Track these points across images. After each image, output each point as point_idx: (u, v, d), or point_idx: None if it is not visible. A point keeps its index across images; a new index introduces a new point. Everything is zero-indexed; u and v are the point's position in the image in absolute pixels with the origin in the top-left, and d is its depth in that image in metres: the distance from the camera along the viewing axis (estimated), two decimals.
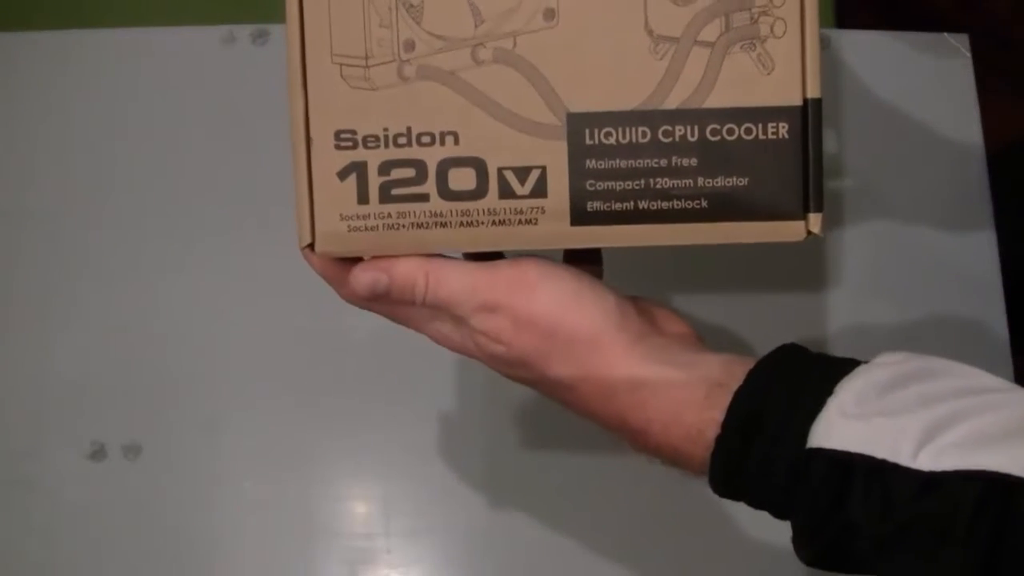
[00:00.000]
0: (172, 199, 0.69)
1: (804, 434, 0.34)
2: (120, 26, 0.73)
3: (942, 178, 0.71)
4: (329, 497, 0.64)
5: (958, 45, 0.73)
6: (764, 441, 0.35)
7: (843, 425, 0.33)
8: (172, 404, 0.66)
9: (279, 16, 0.74)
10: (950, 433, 0.32)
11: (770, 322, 0.66)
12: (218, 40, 0.72)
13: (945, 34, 0.73)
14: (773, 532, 0.63)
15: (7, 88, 0.71)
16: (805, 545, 0.35)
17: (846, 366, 0.36)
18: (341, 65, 0.38)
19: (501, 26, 0.37)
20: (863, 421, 0.33)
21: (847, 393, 0.34)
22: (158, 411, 0.65)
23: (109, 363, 0.66)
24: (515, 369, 0.40)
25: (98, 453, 0.65)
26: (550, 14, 0.37)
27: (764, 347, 0.70)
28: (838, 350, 0.68)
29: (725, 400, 0.36)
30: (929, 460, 0.32)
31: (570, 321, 0.38)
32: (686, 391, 0.37)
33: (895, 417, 0.33)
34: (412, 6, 0.37)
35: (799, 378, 0.35)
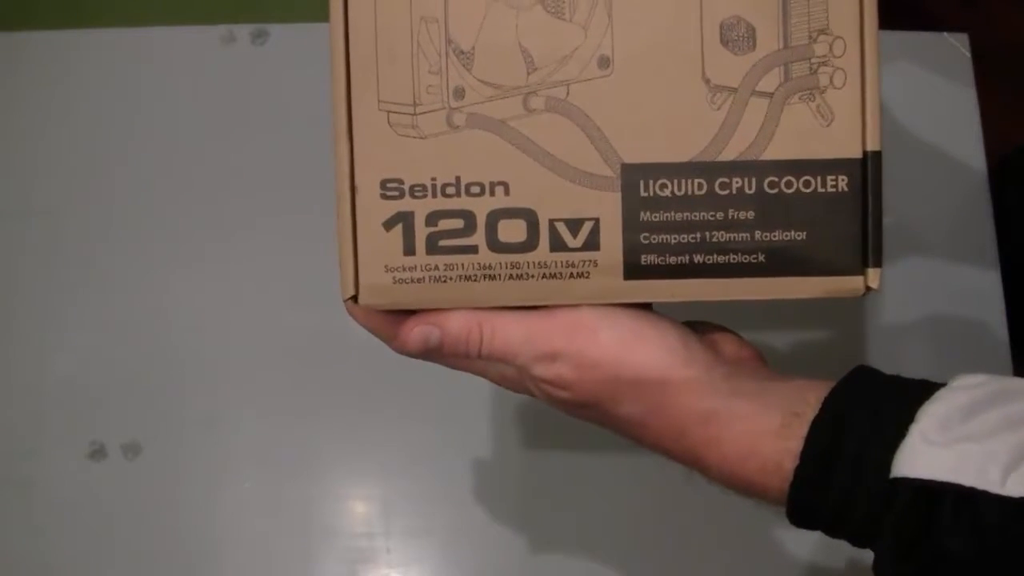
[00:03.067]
0: (172, 199, 0.68)
1: (887, 463, 0.33)
2: (120, 26, 0.73)
3: (942, 178, 0.70)
4: (329, 497, 0.64)
5: (958, 45, 0.73)
6: (845, 472, 0.34)
7: (928, 453, 0.32)
8: (172, 404, 0.65)
9: (279, 16, 0.75)
10: None
11: (770, 324, 0.66)
12: (218, 40, 0.71)
13: (945, 34, 0.73)
14: (772, 532, 0.63)
15: (7, 88, 0.70)
16: (889, 571, 0.34)
17: (925, 390, 0.34)
18: (388, 112, 0.36)
19: (554, 74, 0.36)
20: (948, 448, 0.32)
21: (929, 419, 0.33)
22: (158, 411, 0.65)
23: (109, 363, 0.65)
24: (581, 411, 0.39)
25: (98, 453, 0.64)
26: (605, 62, 0.36)
27: (768, 351, 0.69)
28: (839, 352, 0.68)
29: (802, 430, 0.34)
30: (1018, 486, 0.31)
31: (635, 361, 0.37)
32: (760, 422, 0.36)
33: (980, 442, 0.32)
34: (463, 52, 0.36)
35: (877, 404, 0.34)
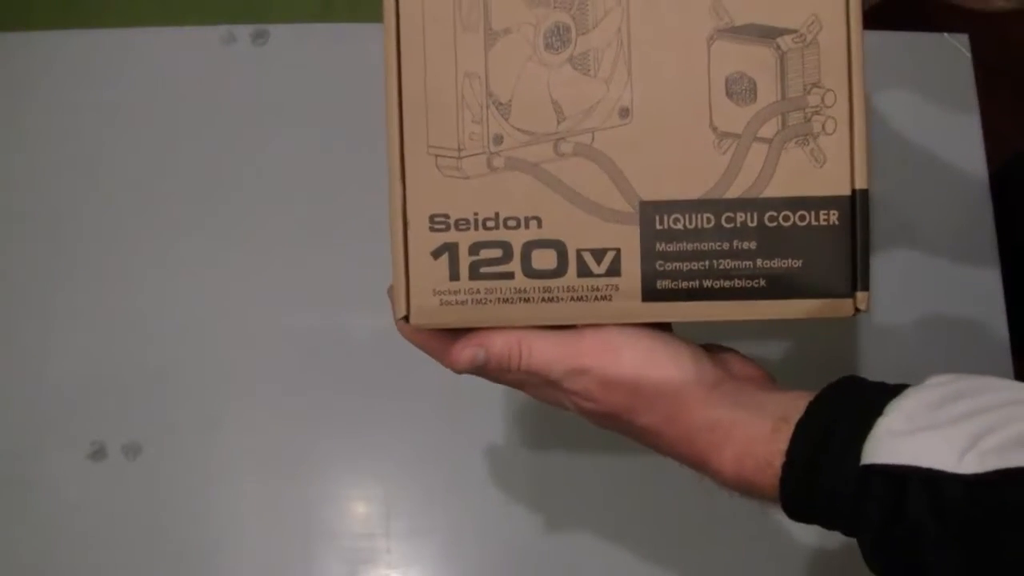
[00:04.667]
0: (172, 199, 0.71)
1: (859, 454, 0.37)
2: (120, 26, 0.73)
3: (942, 178, 0.71)
4: (329, 497, 0.66)
5: (958, 45, 0.73)
6: (825, 465, 0.38)
7: (891, 442, 0.36)
8: (172, 404, 0.67)
9: (279, 16, 0.75)
10: (993, 438, 0.35)
11: (776, 326, 0.66)
12: (218, 40, 0.73)
13: (945, 34, 0.73)
14: (779, 529, 0.63)
15: (7, 88, 0.73)
16: (874, 558, 0.38)
17: (898, 390, 0.39)
18: (436, 156, 0.41)
19: (581, 123, 0.41)
20: (910, 436, 0.36)
21: (896, 412, 0.37)
22: (158, 411, 0.67)
23: (109, 363, 0.67)
24: (605, 420, 0.44)
25: (98, 453, 0.65)
26: (625, 112, 0.41)
27: (772, 351, 0.69)
28: (840, 353, 0.69)
29: (789, 432, 0.39)
30: (973, 464, 0.34)
31: (652, 377, 0.42)
32: (755, 427, 0.40)
33: (941, 430, 0.36)
34: (501, 104, 0.41)
35: (854, 405, 0.39)
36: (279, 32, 0.74)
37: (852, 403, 0.39)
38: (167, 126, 0.71)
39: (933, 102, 0.74)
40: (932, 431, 0.36)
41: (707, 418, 0.41)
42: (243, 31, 0.73)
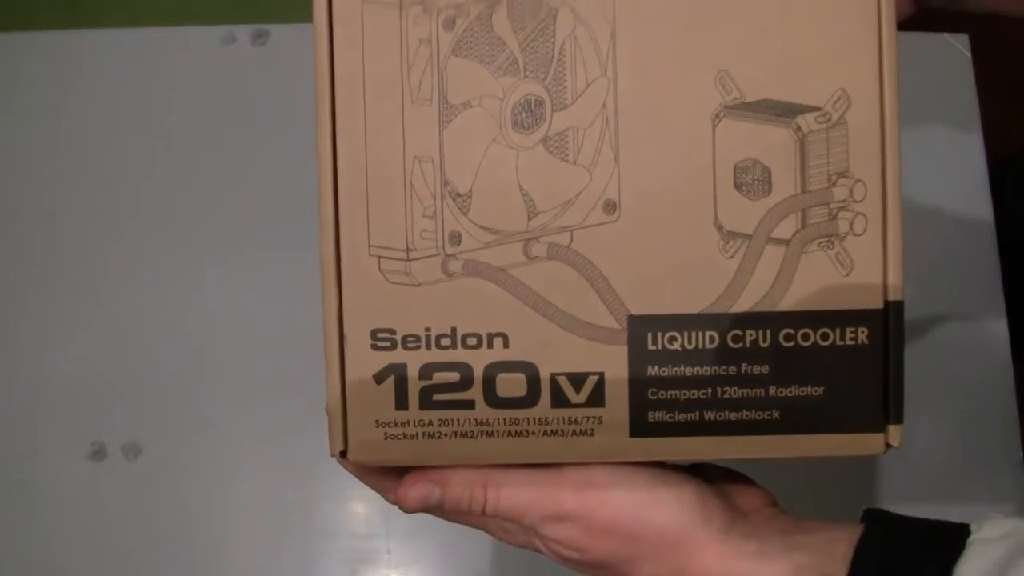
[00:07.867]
0: (172, 199, 0.66)
1: None
2: (120, 26, 0.72)
3: (942, 179, 0.70)
4: (329, 497, 0.62)
5: (958, 45, 0.72)
6: None
7: None
8: (172, 404, 0.63)
9: (279, 16, 0.74)
10: None
11: None
12: (218, 40, 0.69)
13: (945, 34, 0.72)
14: None
15: (7, 88, 0.69)
16: None
17: (953, 540, 0.32)
18: (379, 257, 0.34)
19: (557, 219, 0.34)
20: None
21: None
22: (158, 411, 0.63)
23: (109, 363, 0.64)
24: (594, 571, 0.37)
25: (98, 453, 0.63)
26: (611, 207, 0.34)
27: None
28: None
29: None
30: None
31: (651, 521, 0.34)
32: None
33: None
34: (459, 195, 0.34)
35: (910, 564, 0.32)
36: (279, 32, 0.70)
37: (907, 561, 0.32)
38: (167, 126, 0.67)
39: (933, 102, 0.69)
40: None
41: (726, 571, 0.34)
42: (243, 31, 0.68)
